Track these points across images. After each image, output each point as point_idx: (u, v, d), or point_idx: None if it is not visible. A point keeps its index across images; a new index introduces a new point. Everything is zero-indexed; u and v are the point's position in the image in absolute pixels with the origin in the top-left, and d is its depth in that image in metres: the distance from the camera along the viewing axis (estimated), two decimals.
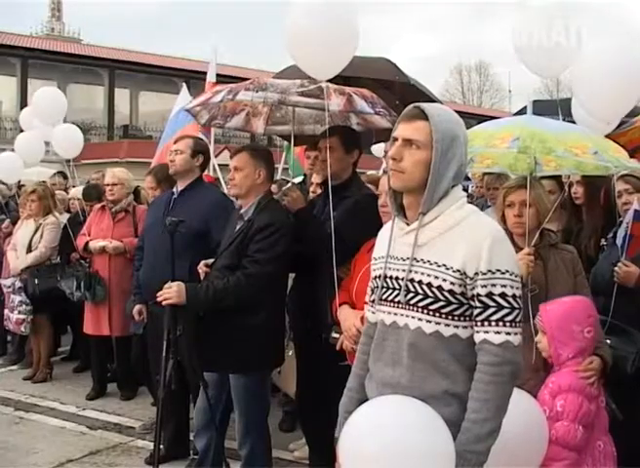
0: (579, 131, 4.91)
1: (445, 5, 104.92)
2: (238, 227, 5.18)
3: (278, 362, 5.44)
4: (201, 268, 5.33)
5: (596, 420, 4.18)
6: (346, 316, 4.64)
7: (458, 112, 3.07)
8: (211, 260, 5.29)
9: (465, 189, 9.41)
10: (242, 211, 5.24)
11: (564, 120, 6.32)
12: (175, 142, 6.23)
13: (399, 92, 7.26)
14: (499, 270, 2.78)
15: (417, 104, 2.94)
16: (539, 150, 4.51)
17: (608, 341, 4.68)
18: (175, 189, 6.08)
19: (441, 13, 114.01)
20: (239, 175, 5.16)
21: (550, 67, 5.23)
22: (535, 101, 9.72)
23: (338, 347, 4.69)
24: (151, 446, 5.92)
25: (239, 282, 4.97)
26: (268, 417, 5.45)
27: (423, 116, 2.87)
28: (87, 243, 7.76)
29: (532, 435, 2.82)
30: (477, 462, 2.76)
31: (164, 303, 4.96)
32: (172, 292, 4.92)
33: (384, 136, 6.13)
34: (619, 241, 4.88)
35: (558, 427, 3.96)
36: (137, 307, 6.36)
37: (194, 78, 30.43)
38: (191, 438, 5.98)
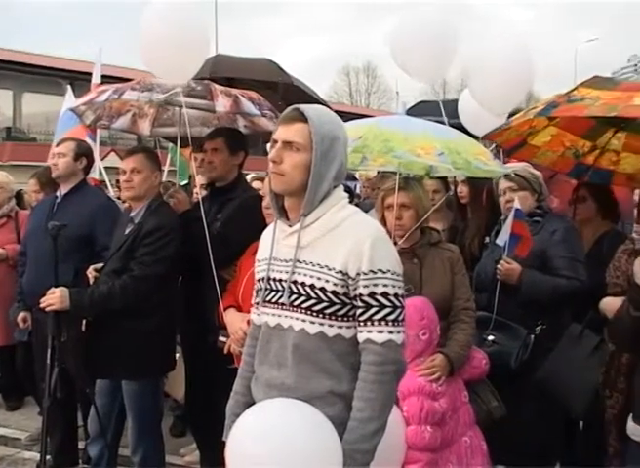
0: (437, 132, 4.97)
1: (332, 6, 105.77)
2: (128, 231, 5.11)
3: (170, 366, 5.38)
4: (90, 273, 5.24)
5: (459, 416, 4.27)
6: (233, 319, 4.65)
7: (346, 113, 3.09)
8: (100, 265, 5.21)
9: (350, 190, 9.48)
10: (132, 214, 5.17)
11: (449, 121, 6.44)
12: (57, 145, 6.11)
13: (282, 92, 7.30)
14: (380, 270, 2.81)
15: (296, 106, 2.94)
16: (377, 149, 4.58)
17: (491, 338, 4.80)
18: (58, 193, 5.94)
19: (328, 14, 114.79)
20: (138, 178, 5.08)
21: (429, 71, 5.32)
22: (421, 102, 9.87)
23: (225, 351, 4.68)
24: (39, 457, 5.78)
25: (125, 284, 4.90)
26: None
27: (303, 118, 2.87)
28: None
29: (387, 441, 2.87)
30: (363, 461, 2.79)
31: (47, 309, 4.85)
32: (55, 298, 4.82)
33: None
34: (500, 240, 4.98)
35: (407, 432, 4.02)
36: (21, 314, 6.18)
37: (80, 79, 29.79)
38: (81, 446, 5.86)
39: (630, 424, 3.53)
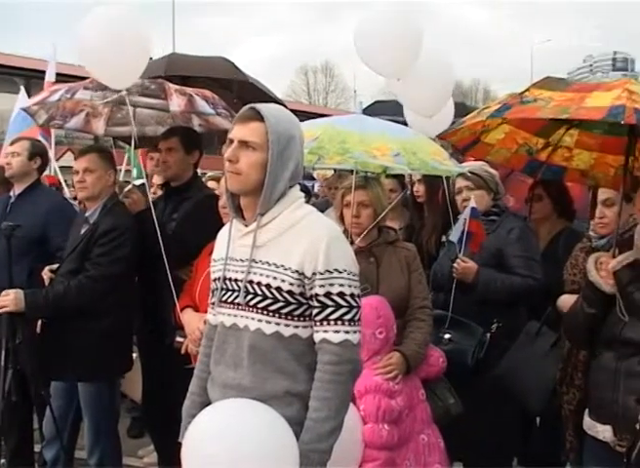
0: (393, 133, 5.00)
1: (290, 6, 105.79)
2: (83, 231, 5.06)
3: (127, 366, 5.34)
4: (46, 274, 5.19)
5: (416, 414, 4.29)
6: (190, 319, 4.63)
7: (303, 112, 3.09)
8: (55, 265, 5.16)
9: (307, 190, 9.49)
10: (87, 214, 5.12)
11: (404, 120, 6.46)
12: (11, 144, 6.04)
13: (238, 90, 7.30)
14: (336, 270, 2.82)
15: (252, 105, 2.94)
16: (333, 150, 4.61)
17: (448, 336, 4.82)
18: (12, 193, 5.87)
19: (286, 14, 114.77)
20: (91, 178, 5.03)
21: (392, 67, 5.31)
22: (376, 102, 9.89)
23: (182, 351, 4.66)
24: None
25: (81, 285, 4.86)
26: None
27: (259, 117, 2.87)
28: None
29: (344, 439, 2.88)
30: (320, 461, 2.79)
31: (1, 311, 4.79)
32: (9, 300, 4.76)
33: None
34: (454, 237, 5.00)
35: (365, 430, 4.03)
36: None
37: (36, 77, 29.45)
38: (36, 449, 5.79)
39: (587, 419, 3.58)
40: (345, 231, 4.56)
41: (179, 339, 4.74)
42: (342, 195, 4.71)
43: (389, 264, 4.55)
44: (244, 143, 2.87)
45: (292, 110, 3.14)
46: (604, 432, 3.41)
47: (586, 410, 3.61)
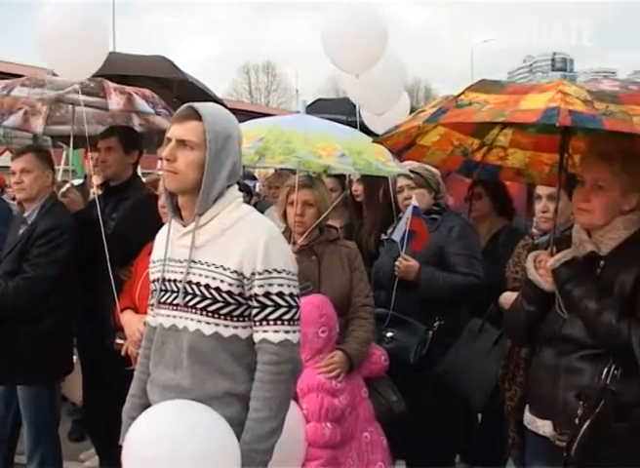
0: (337, 133, 5.03)
1: (231, 5, 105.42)
2: (21, 232, 4.99)
3: (67, 369, 5.27)
4: None
5: (358, 412, 4.31)
6: (130, 321, 4.58)
7: (245, 112, 3.08)
8: None
9: (248, 189, 9.45)
10: (26, 214, 5.06)
11: (347, 118, 6.47)
12: None
13: (177, 89, 7.30)
14: (275, 269, 2.82)
15: (189, 104, 2.94)
16: (279, 151, 4.63)
17: (390, 334, 4.84)
18: None
19: (227, 13, 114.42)
20: (29, 178, 4.97)
21: (357, 64, 5.31)
22: (318, 100, 9.90)
23: (122, 352, 4.62)
24: None
25: (18, 286, 4.79)
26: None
27: (196, 116, 2.86)
28: None
29: (287, 438, 2.88)
30: (261, 461, 2.79)
31: None
32: None
33: None
34: (397, 236, 5.01)
35: (308, 429, 4.05)
36: None
37: None
38: None
39: (527, 415, 3.61)
40: (287, 229, 4.60)
41: (118, 341, 4.70)
42: (287, 193, 4.71)
43: (331, 262, 4.56)
44: (181, 142, 2.86)
45: (234, 109, 3.14)
46: (544, 427, 3.44)
47: (527, 406, 3.65)
